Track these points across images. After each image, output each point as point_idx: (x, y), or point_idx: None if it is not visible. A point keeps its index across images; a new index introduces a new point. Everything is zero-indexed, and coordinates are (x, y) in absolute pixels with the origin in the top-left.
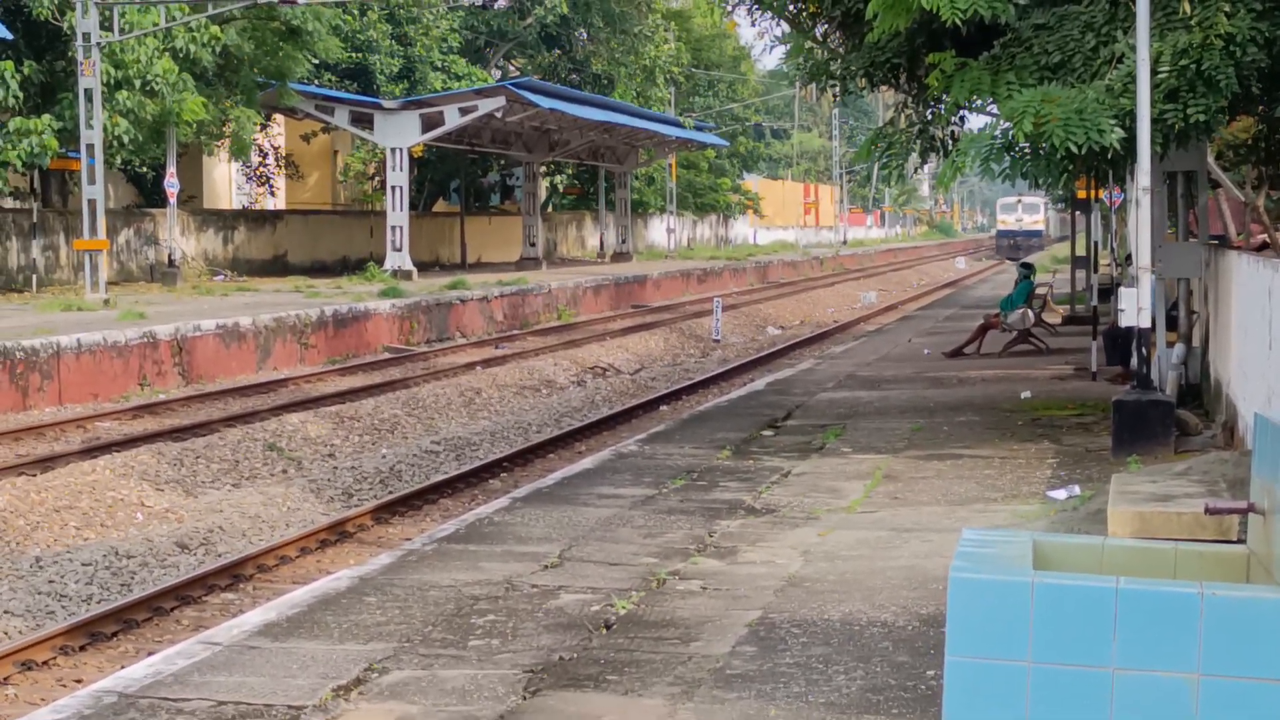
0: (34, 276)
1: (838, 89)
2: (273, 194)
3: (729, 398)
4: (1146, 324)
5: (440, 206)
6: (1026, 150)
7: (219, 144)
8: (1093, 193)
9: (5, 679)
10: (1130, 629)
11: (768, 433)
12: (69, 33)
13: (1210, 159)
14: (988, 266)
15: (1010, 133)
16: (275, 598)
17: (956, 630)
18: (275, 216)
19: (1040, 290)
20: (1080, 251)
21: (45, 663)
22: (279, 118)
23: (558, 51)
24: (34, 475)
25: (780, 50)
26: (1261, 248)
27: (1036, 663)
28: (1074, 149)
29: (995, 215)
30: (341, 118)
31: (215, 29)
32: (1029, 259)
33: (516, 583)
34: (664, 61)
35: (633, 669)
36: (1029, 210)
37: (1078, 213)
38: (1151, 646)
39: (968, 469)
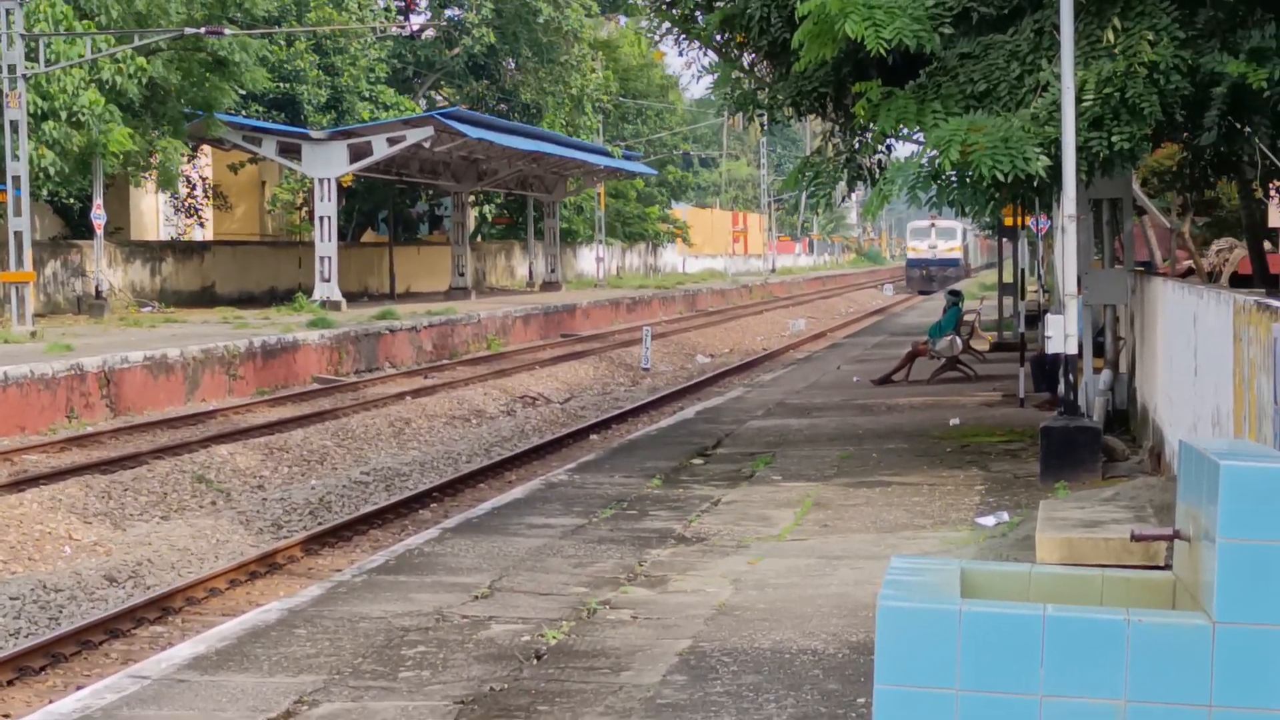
0: None
1: (765, 118)
2: (201, 225)
3: (659, 426)
4: (1074, 350)
5: (369, 237)
6: (953, 179)
7: (146, 175)
8: (1019, 220)
9: None
10: (1057, 656)
11: (698, 461)
12: None
13: (1136, 186)
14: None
15: (937, 161)
16: (205, 630)
17: (885, 658)
18: (203, 247)
19: (968, 317)
20: (1008, 278)
21: None
22: (206, 149)
23: (486, 81)
24: None
25: (708, 80)
26: (1187, 273)
27: (965, 690)
28: (1000, 177)
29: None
30: (269, 148)
31: (141, 60)
32: (956, 287)
33: (447, 613)
34: (592, 90)
35: (564, 699)
36: (943, 236)
37: (1004, 240)
38: (1079, 673)
39: (897, 496)
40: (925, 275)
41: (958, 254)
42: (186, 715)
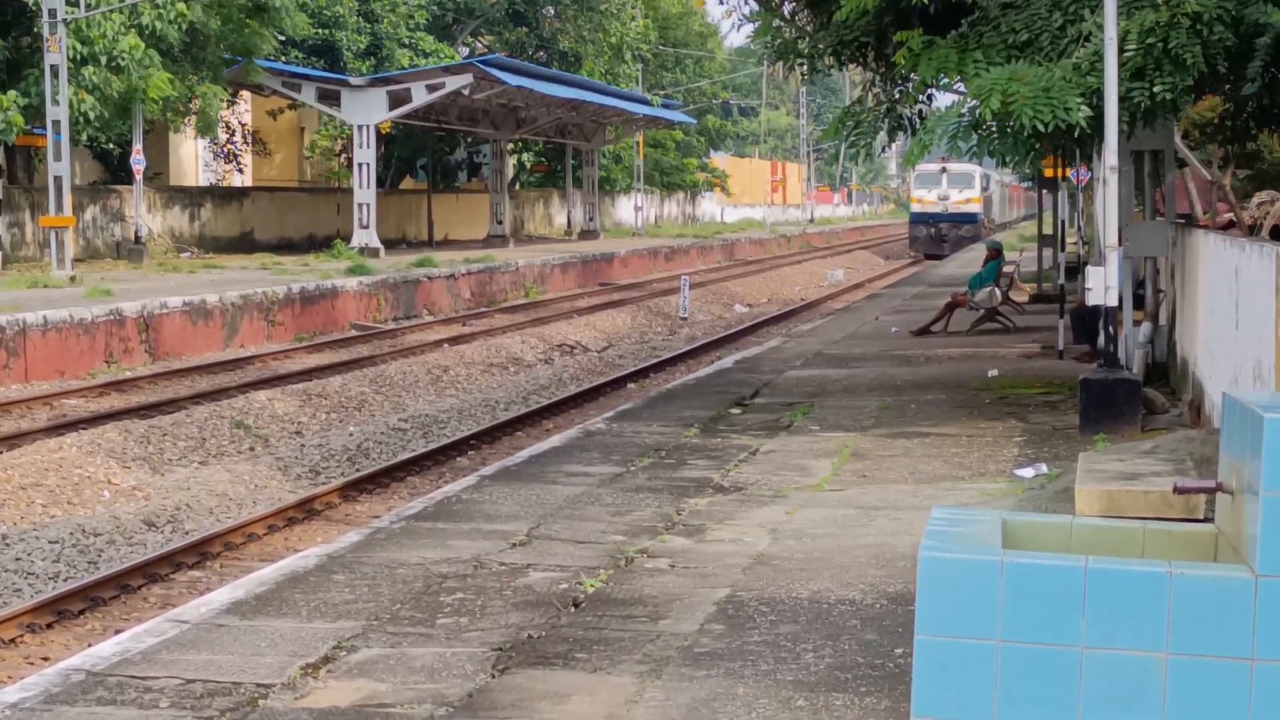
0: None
1: (805, 67)
2: (240, 171)
3: (696, 375)
4: (1114, 303)
5: (407, 184)
6: (993, 129)
7: (185, 121)
8: (1060, 171)
9: None
10: (1099, 608)
11: (735, 410)
12: (35, 9)
13: (1177, 138)
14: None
15: (978, 111)
16: (243, 576)
17: (926, 609)
18: (242, 194)
19: (1007, 268)
20: (1047, 230)
21: (12, 640)
22: (246, 95)
23: (525, 28)
24: (0, 453)
25: (748, 28)
26: (1228, 226)
27: (1005, 641)
28: (1041, 127)
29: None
30: (308, 95)
31: (181, 5)
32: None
33: (485, 561)
34: (631, 39)
35: (601, 647)
36: (958, 183)
37: (1044, 191)
38: (1120, 625)
39: (935, 447)
40: (934, 234)
41: (975, 207)
42: (225, 659)
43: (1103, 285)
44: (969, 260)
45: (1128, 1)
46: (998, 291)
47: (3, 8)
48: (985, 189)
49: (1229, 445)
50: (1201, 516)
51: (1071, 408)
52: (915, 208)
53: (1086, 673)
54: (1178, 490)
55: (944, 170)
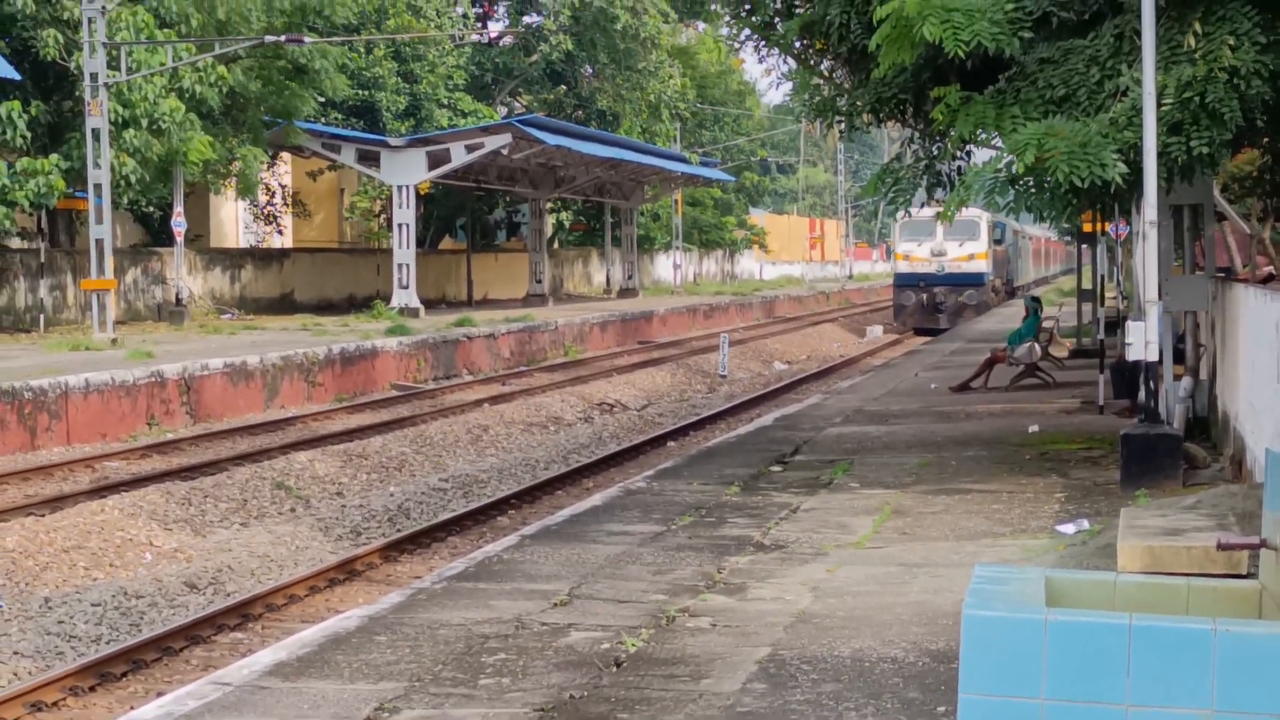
0: (41, 316)
1: (843, 125)
2: (280, 232)
3: (737, 433)
4: (1154, 357)
5: (447, 244)
6: (1030, 184)
7: (226, 183)
8: (1099, 225)
9: None
10: (1144, 666)
11: (776, 468)
12: (76, 73)
13: (1216, 192)
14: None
15: (1014, 166)
16: (285, 637)
17: (970, 667)
18: (282, 255)
19: (1047, 323)
20: (1086, 285)
21: (55, 704)
22: (286, 156)
23: (563, 88)
24: (43, 515)
25: (787, 86)
26: (1268, 279)
27: (1050, 700)
28: (1077, 183)
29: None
30: (348, 156)
31: (222, 69)
32: (1035, 293)
33: (526, 621)
34: (669, 97)
35: (644, 707)
36: (958, 233)
37: (1083, 245)
38: (1165, 683)
39: (976, 504)
40: (925, 303)
41: (982, 265)
42: None
43: (1143, 340)
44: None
45: (1165, 56)
46: (1037, 347)
47: (44, 72)
48: (999, 241)
49: (1273, 500)
50: (1245, 572)
51: (1113, 463)
52: (902, 266)
53: None
54: (1221, 547)
55: (936, 219)
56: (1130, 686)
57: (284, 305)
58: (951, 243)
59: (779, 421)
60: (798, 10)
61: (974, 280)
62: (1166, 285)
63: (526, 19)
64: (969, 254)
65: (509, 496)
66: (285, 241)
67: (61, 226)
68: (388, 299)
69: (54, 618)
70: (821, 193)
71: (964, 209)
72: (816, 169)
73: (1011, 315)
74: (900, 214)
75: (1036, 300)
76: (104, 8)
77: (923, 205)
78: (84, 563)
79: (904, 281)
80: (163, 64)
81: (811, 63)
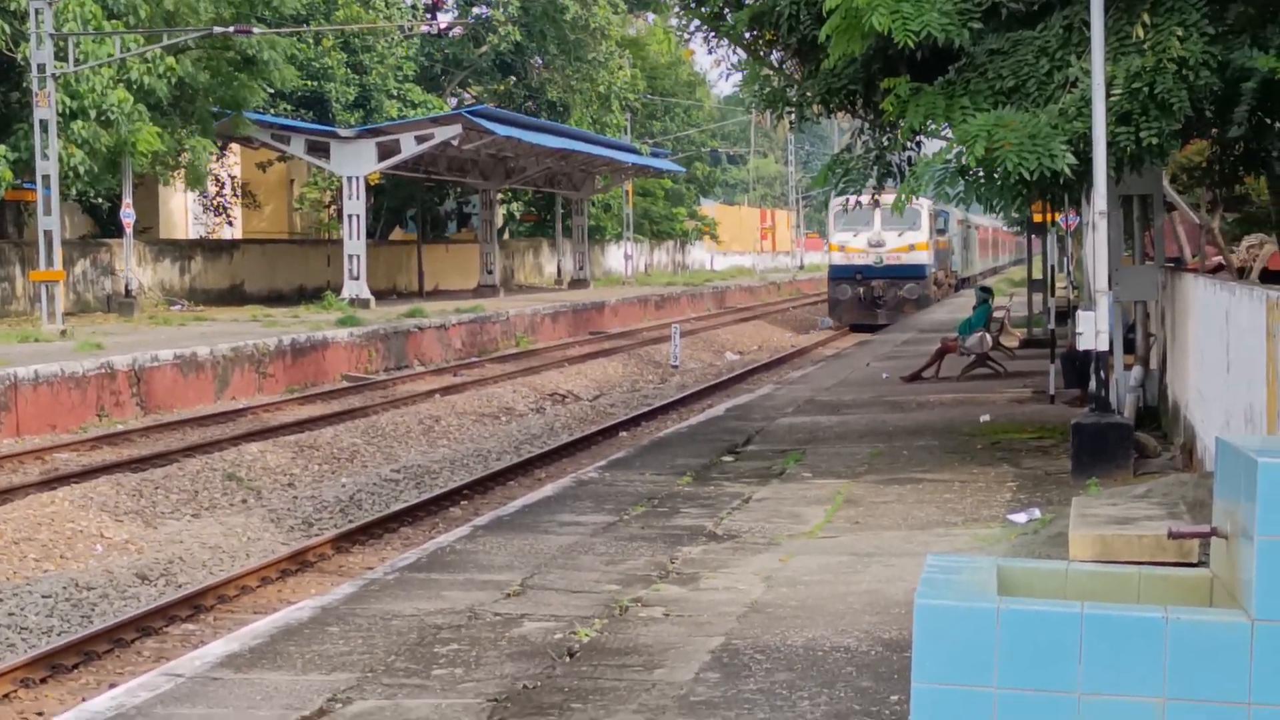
0: None
1: (794, 116)
2: (230, 224)
3: (689, 423)
4: (1104, 347)
5: (397, 235)
6: (980, 175)
7: (175, 174)
8: (1048, 216)
9: None
10: (1096, 654)
11: (728, 458)
12: (23, 64)
13: (1165, 182)
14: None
15: (964, 157)
16: (237, 628)
17: (922, 656)
18: (232, 246)
19: (998, 314)
20: (1037, 275)
21: (6, 696)
22: (235, 147)
23: (513, 79)
24: None
25: (737, 77)
26: (1217, 269)
27: (1003, 688)
28: (1027, 174)
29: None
30: (298, 147)
31: (170, 60)
32: (986, 283)
33: (479, 611)
34: (619, 88)
35: (597, 697)
36: (896, 223)
37: (1033, 236)
38: (1117, 671)
39: (928, 493)
40: (862, 296)
41: (923, 256)
42: (221, 713)
43: (1093, 330)
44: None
45: (1114, 47)
46: (988, 337)
47: None
48: (942, 231)
49: (1222, 489)
50: (1196, 560)
51: (1064, 452)
52: (837, 258)
53: (1084, 718)
54: (1172, 535)
55: (877, 205)
56: (1082, 675)
57: (234, 297)
58: (890, 233)
59: (731, 411)
60: (747, 1)
61: (914, 273)
62: (1116, 275)
63: (476, 10)
64: (909, 245)
65: (461, 487)
66: (235, 233)
67: (10, 218)
68: (338, 290)
69: (4, 610)
70: (772, 183)
71: (863, 196)
72: (767, 160)
73: (963, 305)
74: (834, 202)
75: (987, 290)
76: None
77: (842, 190)
78: (34, 554)
79: (839, 274)
80: (111, 55)
81: (761, 54)
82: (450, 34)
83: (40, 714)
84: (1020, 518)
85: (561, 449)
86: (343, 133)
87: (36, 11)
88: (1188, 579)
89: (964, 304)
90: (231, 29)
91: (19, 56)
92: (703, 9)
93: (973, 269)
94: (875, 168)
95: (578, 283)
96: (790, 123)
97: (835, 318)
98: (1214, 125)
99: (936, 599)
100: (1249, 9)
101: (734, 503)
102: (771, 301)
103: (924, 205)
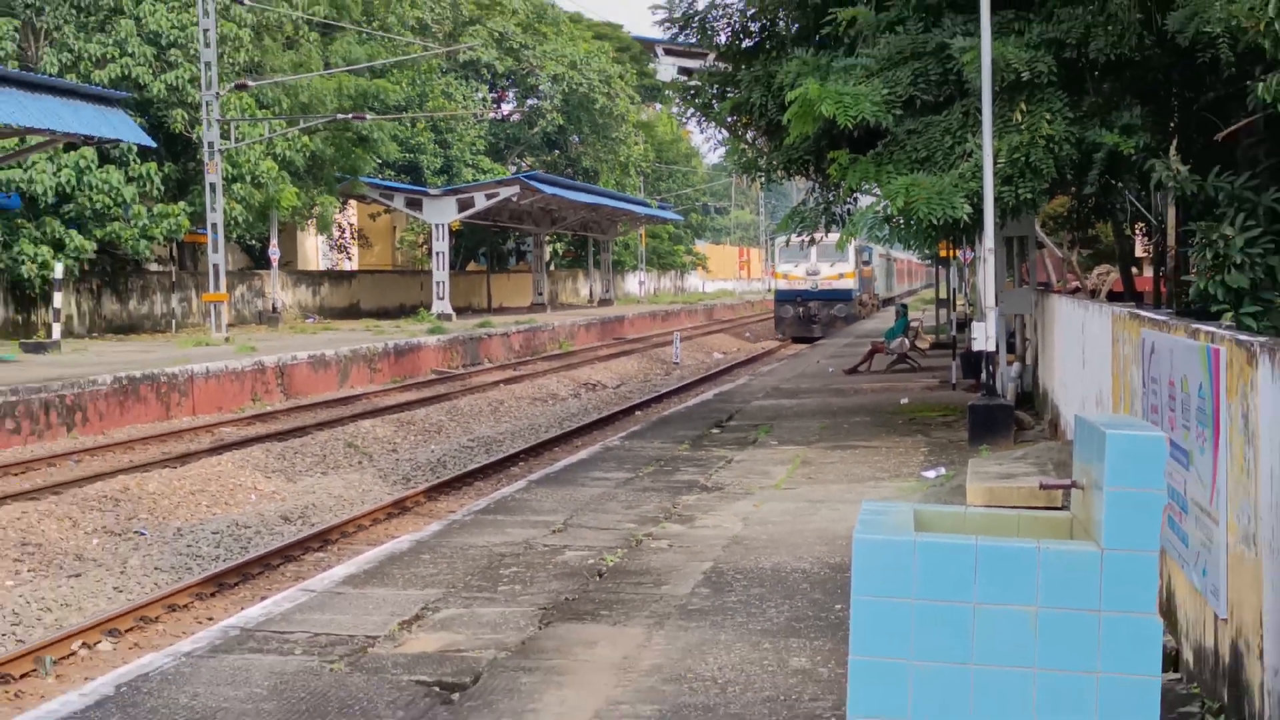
0: (173, 321)
1: (764, 178)
2: (349, 258)
3: (686, 405)
4: (993, 348)
5: (471, 266)
6: (901, 222)
7: (309, 222)
8: (950, 251)
9: (156, 618)
10: (987, 574)
11: (715, 431)
12: (197, 141)
13: (1036, 227)
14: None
15: (888, 208)
16: (354, 556)
17: (859, 577)
18: (351, 275)
19: (913, 323)
20: (942, 295)
21: (185, 605)
22: (353, 203)
23: (557, 151)
24: (175, 467)
25: (721, 150)
26: (1074, 291)
27: (918, 600)
28: (935, 221)
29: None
30: (399, 202)
31: (305, 138)
32: (904, 301)
33: (532, 543)
34: (635, 159)
35: (619, 606)
36: (829, 256)
37: (940, 266)
38: (1002, 587)
39: (862, 456)
40: (802, 315)
41: (850, 283)
42: (342, 618)
43: (985, 336)
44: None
45: (999, 128)
46: (906, 341)
47: (173, 141)
48: (866, 262)
49: (1080, 453)
50: (1061, 505)
51: (962, 426)
52: (781, 284)
53: (978, 622)
54: (1043, 487)
55: (813, 241)
56: (977, 590)
57: (352, 312)
58: (824, 264)
59: (717, 396)
60: (729, 95)
61: (843, 295)
62: (1001, 295)
63: (529, 101)
64: (839, 273)
65: (519, 452)
66: (352, 265)
67: (188, 255)
68: (428, 307)
69: (184, 542)
70: (748, 228)
71: (832, 234)
72: (744, 210)
73: (886, 319)
74: (779, 238)
75: (905, 307)
76: (218, 94)
77: (799, 234)
78: (206, 502)
79: (783, 297)
80: (261, 135)
81: (739, 133)
82: (510, 119)
83: (210, 619)
84: (930, 474)
85: (593, 424)
86: (432, 192)
87: (207, 104)
88: (1054, 519)
89: (887, 318)
90: (350, 115)
91: (194, 136)
92: (696, 100)
93: (893, 291)
94: (823, 216)
95: (604, 302)
96: (761, 183)
97: (780, 332)
98: (1073, 185)
99: (869, 535)
100: (1098, 99)
101: (720, 463)
102: (747, 315)
103: (851, 241)
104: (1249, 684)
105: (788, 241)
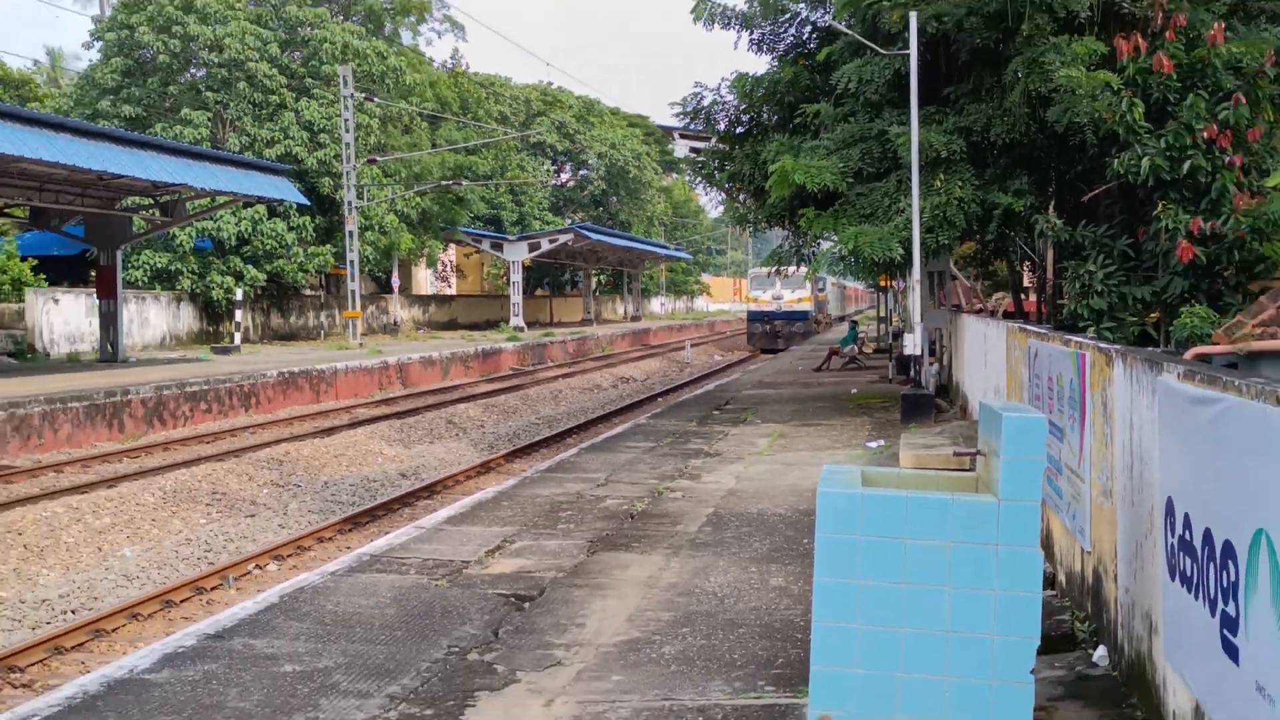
0: (321, 331)
1: (752, 228)
2: (449, 286)
3: (694, 394)
4: (919, 353)
5: (538, 292)
6: (852, 260)
7: (420, 259)
8: (888, 282)
9: (309, 547)
10: (914, 517)
11: (716, 413)
12: (339, 201)
13: (951, 264)
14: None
15: (842, 250)
16: (453, 502)
17: (821, 520)
18: (451, 298)
19: (862, 334)
20: (882, 314)
21: (330, 538)
22: (452, 245)
23: (600, 208)
24: (323, 438)
25: (721, 207)
26: (978, 311)
27: (864, 536)
28: (876, 259)
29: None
30: (486, 245)
31: (418, 199)
32: (854, 319)
33: (583, 494)
34: (658, 213)
35: (645, 540)
36: (790, 284)
37: (880, 292)
38: (925, 526)
39: (823, 432)
40: (768, 331)
41: (807, 306)
42: (444, 547)
43: (913, 344)
44: (825, 339)
45: (924, 192)
46: (856, 346)
47: (322, 200)
48: (821, 289)
49: (983, 429)
50: (968, 468)
51: (896, 410)
52: (752, 307)
53: (908, 553)
54: (955, 454)
55: (779, 273)
56: (907, 529)
57: (451, 326)
58: (786, 291)
59: (717, 388)
60: (726, 167)
61: (801, 316)
62: (925, 314)
63: (581, 171)
64: (798, 298)
65: (573, 428)
66: (451, 290)
67: (332, 283)
68: (507, 321)
69: (329, 493)
70: (740, 264)
71: (793, 267)
72: (737, 251)
73: (839, 332)
74: (750, 271)
75: (855, 323)
76: (354, 166)
77: (764, 267)
78: (345, 463)
79: (754, 317)
80: (386, 196)
81: (734, 195)
82: (566, 184)
83: (349, 547)
84: (873, 444)
85: (626, 407)
86: (509, 238)
87: (346, 174)
88: (964, 478)
89: (840, 330)
90: (450, 182)
91: (337, 197)
92: (703, 171)
93: (845, 311)
94: (795, 255)
95: (635, 318)
96: (750, 232)
97: (752, 345)
98: (978, 234)
99: (829, 489)
100: (996, 171)
101: (719, 437)
102: (740, 329)
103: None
104: (1106, 598)
105: (769, 274)
